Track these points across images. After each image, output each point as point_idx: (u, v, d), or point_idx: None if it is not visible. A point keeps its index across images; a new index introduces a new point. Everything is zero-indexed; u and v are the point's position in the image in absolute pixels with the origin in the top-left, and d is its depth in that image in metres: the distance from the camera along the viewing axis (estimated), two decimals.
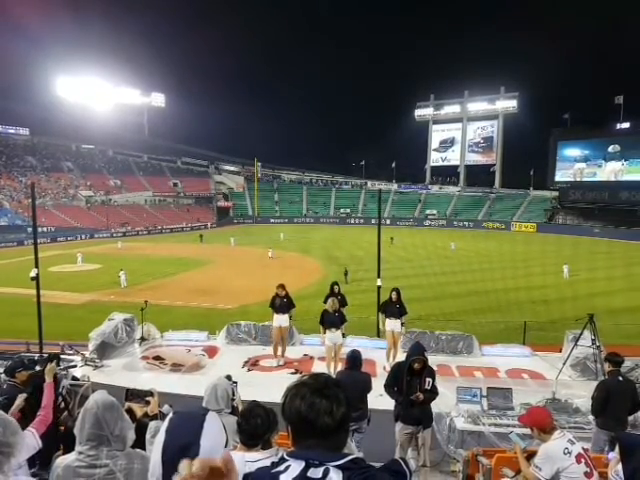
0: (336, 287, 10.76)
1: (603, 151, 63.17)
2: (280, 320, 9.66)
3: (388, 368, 8.89)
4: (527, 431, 4.12)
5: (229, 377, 3.96)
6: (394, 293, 9.60)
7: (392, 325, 9.54)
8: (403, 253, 38.58)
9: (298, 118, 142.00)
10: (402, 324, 9.64)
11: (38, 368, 5.19)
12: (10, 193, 62.13)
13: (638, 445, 2.54)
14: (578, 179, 66.44)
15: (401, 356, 8.28)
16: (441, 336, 10.28)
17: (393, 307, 9.55)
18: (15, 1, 72.16)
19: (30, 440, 2.66)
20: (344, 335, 9.73)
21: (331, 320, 9.06)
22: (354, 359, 5.85)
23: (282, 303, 9.66)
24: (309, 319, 12.82)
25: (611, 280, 26.36)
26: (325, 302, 9.77)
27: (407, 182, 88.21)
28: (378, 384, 6.11)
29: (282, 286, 9.73)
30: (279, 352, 9.75)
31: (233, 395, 3.62)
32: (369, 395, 5.98)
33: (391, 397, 5.84)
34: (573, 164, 66.73)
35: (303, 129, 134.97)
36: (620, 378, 5.66)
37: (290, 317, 9.92)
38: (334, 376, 5.30)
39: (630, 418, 5.95)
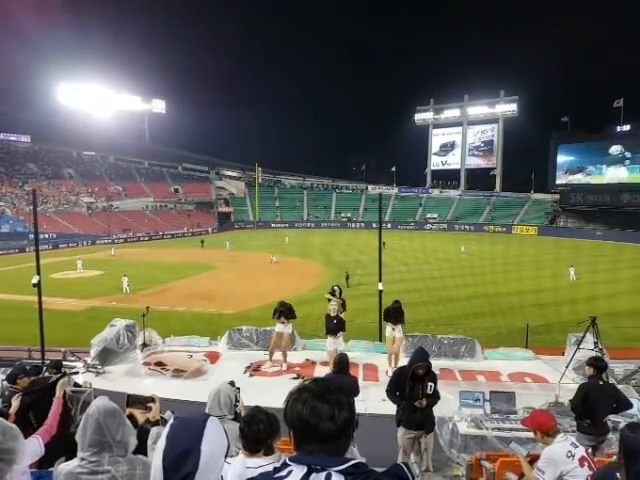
0: (336, 289, 10.77)
1: (603, 154, 63.09)
2: (283, 327, 9.72)
3: (390, 373, 8.85)
4: (530, 435, 4.10)
5: (232, 383, 3.93)
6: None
7: (392, 331, 9.53)
8: (404, 257, 38.55)
9: (299, 123, 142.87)
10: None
11: (41, 375, 5.19)
12: (12, 200, 62.31)
13: None
14: (578, 182, 66.43)
15: (403, 361, 8.25)
16: (443, 340, 10.22)
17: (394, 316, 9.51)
18: (16, 8, 72.73)
19: (33, 446, 2.65)
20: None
21: (329, 327, 9.14)
22: (341, 362, 5.86)
23: (285, 316, 9.74)
24: (311, 324, 12.82)
25: (616, 283, 26.26)
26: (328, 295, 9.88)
27: (408, 186, 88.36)
28: (380, 389, 6.09)
29: (284, 305, 9.82)
30: (280, 357, 9.72)
31: (236, 401, 3.59)
32: (370, 400, 5.96)
33: (393, 402, 5.83)
34: (573, 167, 66.73)
35: (304, 134, 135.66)
36: (600, 382, 5.56)
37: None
38: None
39: (617, 419, 5.90)
